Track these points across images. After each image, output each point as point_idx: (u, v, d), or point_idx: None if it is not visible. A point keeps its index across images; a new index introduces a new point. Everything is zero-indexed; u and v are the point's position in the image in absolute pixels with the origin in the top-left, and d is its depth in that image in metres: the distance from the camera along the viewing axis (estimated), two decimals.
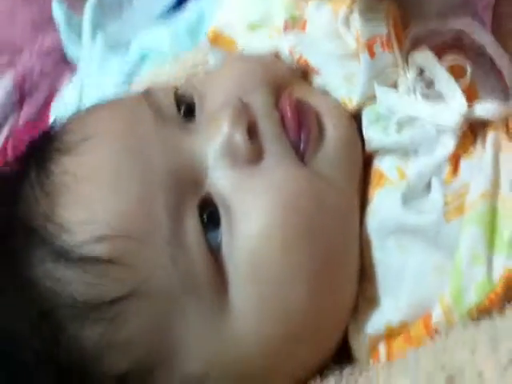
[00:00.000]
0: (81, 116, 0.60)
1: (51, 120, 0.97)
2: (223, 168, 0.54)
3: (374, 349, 0.54)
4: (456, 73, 0.55)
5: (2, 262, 0.53)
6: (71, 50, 1.06)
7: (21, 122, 1.04)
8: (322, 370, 0.54)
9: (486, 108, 0.54)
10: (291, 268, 0.52)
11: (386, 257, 0.54)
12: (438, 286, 0.52)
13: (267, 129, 0.55)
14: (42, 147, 0.57)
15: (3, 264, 0.53)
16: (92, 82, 1.00)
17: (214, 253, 0.52)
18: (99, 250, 0.51)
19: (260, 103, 0.56)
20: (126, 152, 0.54)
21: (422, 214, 0.53)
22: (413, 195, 0.54)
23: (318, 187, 0.54)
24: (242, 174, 0.54)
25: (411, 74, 0.56)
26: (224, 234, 0.53)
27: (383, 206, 0.55)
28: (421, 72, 0.56)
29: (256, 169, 0.54)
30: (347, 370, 0.52)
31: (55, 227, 0.52)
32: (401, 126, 0.56)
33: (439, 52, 0.56)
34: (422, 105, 0.55)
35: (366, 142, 0.57)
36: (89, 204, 0.53)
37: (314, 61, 0.60)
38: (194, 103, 0.58)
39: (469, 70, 0.54)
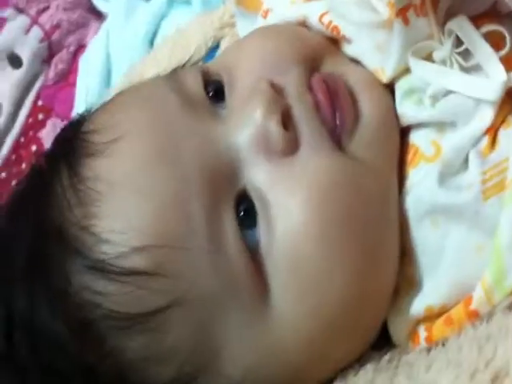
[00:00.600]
0: (108, 109, 0.57)
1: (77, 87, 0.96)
2: (258, 161, 0.52)
3: (413, 332, 0.53)
4: (494, 42, 0.52)
5: (36, 271, 0.51)
6: (98, 1, 1.04)
7: (50, 76, 1.03)
8: (360, 357, 0.53)
9: None
10: (333, 261, 0.51)
11: (424, 237, 0.52)
12: (479, 267, 0.50)
13: (301, 115, 0.53)
14: (72, 145, 0.55)
15: (38, 273, 0.51)
16: (118, 33, 0.99)
17: (253, 252, 0.51)
18: (139, 261, 0.49)
19: (292, 84, 0.54)
20: (156, 152, 0.52)
21: (458, 193, 0.51)
22: (449, 172, 0.52)
23: (356, 174, 0.52)
24: (279, 167, 0.52)
25: (447, 45, 0.53)
26: (262, 231, 0.51)
27: (419, 184, 0.53)
28: (457, 44, 0.53)
29: (292, 160, 0.52)
30: (385, 357, 0.52)
31: (91, 238, 0.50)
32: (435, 98, 0.53)
33: (476, 22, 0.53)
34: (460, 78, 0.52)
35: (400, 117, 0.55)
36: (124, 212, 0.50)
37: (345, 28, 0.57)
38: (222, 85, 0.56)
39: (508, 38, 0.51)
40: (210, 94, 0.56)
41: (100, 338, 0.50)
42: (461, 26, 0.52)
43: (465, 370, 0.45)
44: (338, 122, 0.53)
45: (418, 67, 0.54)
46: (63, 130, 0.60)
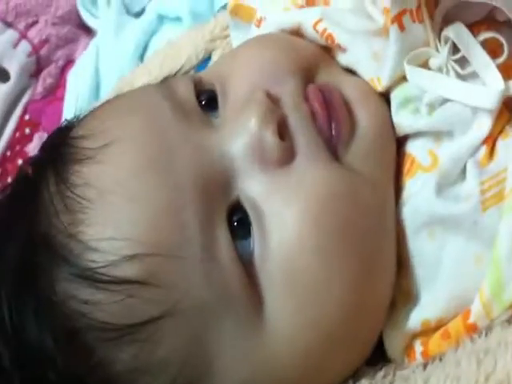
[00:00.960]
0: (98, 115, 0.55)
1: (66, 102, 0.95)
2: (253, 170, 0.51)
3: (409, 347, 0.52)
4: (491, 50, 0.51)
5: (22, 279, 0.49)
6: (87, 17, 1.03)
7: (38, 91, 1.02)
8: (355, 373, 0.52)
9: None
10: (330, 274, 0.49)
11: (421, 249, 0.51)
12: (478, 278, 0.49)
13: (297, 124, 0.51)
14: (60, 150, 0.53)
15: (23, 282, 0.49)
16: (108, 48, 0.98)
17: (246, 263, 0.49)
18: (129, 270, 0.47)
19: (288, 94, 0.53)
20: (149, 160, 0.50)
21: (456, 204, 0.50)
22: (447, 182, 0.51)
23: (353, 185, 0.51)
24: (274, 177, 0.50)
25: (443, 52, 0.52)
26: (256, 242, 0.49)
27: (416, 195, 0.52)
28: (454, 51, 0.52)
29: (288, 170, 0.50)
30: (380, 373, 0.50)
31: (79, 245, 0.49)
32: (432, 107, 0.52)
33: (473, 29, 0.52)
34: (456, 85, 0.51)
35: (396, 126, 0.53)
36: (114, 219, 0.49)
37: (340, 36, 0.56)
38: (215, 94, 0.55)
39: (505, 46, 0.50)
40: (203, 103, 0.54)
41: (88, 349, 0.48)
42: (457, 32, 0.51)
43: (464, 383, 0.43)
44: (333, 133, 0.52)
45: (414, 75, 0.53)
46: (51, 136, 0.58)
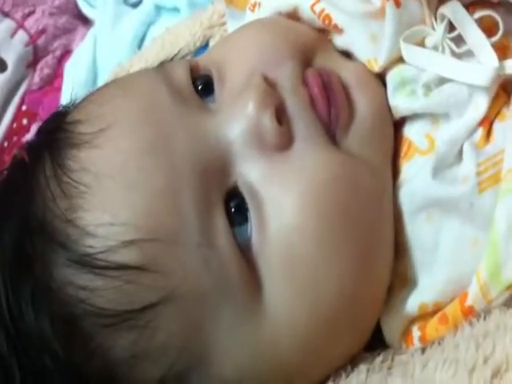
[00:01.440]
0: (94, 99, 0.55)
1: (63, 90, 0.95)
2: (250, 155, 0.50)
3: (406, 332, 0.51)
4: (487, 29, 0.50)
5: (19, 265, 0.49)
6: (84, 7, 1.03)
7: (35, 81, 1.02)
8: (353, 358, 0.51)
9: None
10: (329, 259, 0.49)
11: (418, 232, 0.51)
12: (475, 261, 0.48)
13: (295, 109, 0.51)
14: (56, 135, 0.52)
15: (20, 268, 0.49)
16: (105, 38, 0.98)
17: (244, 249, 0.49)
18: (128, 256, 0.47)
19: (286, 78, 0.52)
20: (147, 143, 0.49)
21: (453, 186, 0.49)
22: (444, 165, 0.50)
23: (351, 170, 0.50)
24: (272, 162, 0.50)
25: (439, 30, 0.51)
26: (254, 228, 0.49)
27: (413, 178, 0.51)
28: (449, 30, 0.51)
29: (286, 155, 0.50)
30: (379, 358, 0.50)
31: (76, 231, 0.48)
32: (428, 88, 0.52)
33: (469, 8, 0.51)
34: (451, 63, 0.51)
35: (393, 109, 0.53)
36: (112, 205, 0.48)
37: (337, 17, 0.55)
38: (211, 79, 0.54)
39: (501, 24, 0.50)
40: (199, 88, 0.54)
41: (86, 335, 0.48)
42: (453, 10, 0.51)
43: (463, 366, 0.43)
44: (332, 118, 0.51)
45: (410, 53, 0.52)
46: (47, 121, 0.58)
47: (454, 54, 0.51)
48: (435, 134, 0.52)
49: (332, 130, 0.51)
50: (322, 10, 0.55)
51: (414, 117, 0.53)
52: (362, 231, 0.50)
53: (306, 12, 0.56)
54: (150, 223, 0.48)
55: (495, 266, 0.47)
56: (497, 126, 0.50)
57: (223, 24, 0.74)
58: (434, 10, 0.52)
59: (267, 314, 0.49)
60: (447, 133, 0.51)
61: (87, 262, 0.47)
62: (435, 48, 0.52)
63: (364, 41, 0.54)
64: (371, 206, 0.51)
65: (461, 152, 0.50)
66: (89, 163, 0.50)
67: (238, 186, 0.50)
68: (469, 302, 0.48)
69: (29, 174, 0.52)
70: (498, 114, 0.51)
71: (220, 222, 0.49)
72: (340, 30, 0.55)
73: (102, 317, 0.47)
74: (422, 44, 0.52)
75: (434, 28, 0.52)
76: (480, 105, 0.50)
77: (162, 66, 0.57)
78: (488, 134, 0.50)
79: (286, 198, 0.49)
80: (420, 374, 0.45)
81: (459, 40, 0.51)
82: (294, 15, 0.58)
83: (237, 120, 0.51)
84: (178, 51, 0.67)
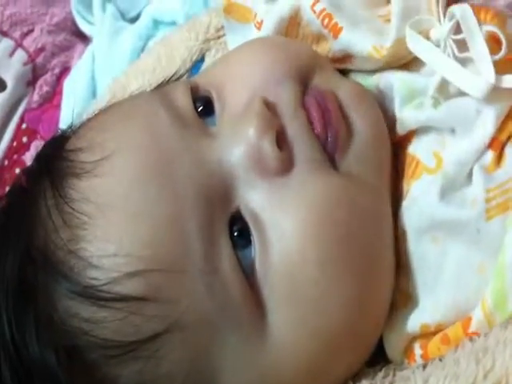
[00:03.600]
0: (94, 126, 0.54)
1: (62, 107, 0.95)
2: (252, 181, 0.50)
3: (408, 349, 0.52)
4: (494, 40, 0.50)
5: (21, 298, 0.49)
6: (82, 24, 1.03)
7: (34, 99, 1.02)
8: (355, 373, 0.51)
9: None
10: (331, 282, 0.49)
11: (423, 252, 0.51)
12: (480, 287, 0.48)
13: (296, 133, 0.51)
14: (57, 164, 0.52)
15: (23, 300, 0.49)
16: (104, 54, 0.98)
17: (248, 274, 0.49)
18: (132, 287, 0.47)
19: (285, 102, 0.52)
20: (148, 172, 0.49)
21: (460, 209, 0.49)
22: (452, 187, 0.50)
23: (352, 193, 0.50)
24: (273, 187, 0.50)
25: (445, 27, 0.51)
26: (257, 252, 0.49)
27: (421, 198, 0.51)
28: (455, 32, 0.51)
29: (287, 179, 0.50)
30: (380, 373, 0.50)
31: (80, 262, 0.48)
32: (437, 101, 0.51)
33: (480, 12, 0.51)
34: (451, 65, 0.50)
35: (400, 122, 0.53)
36: (115, 235, 0.48)
37: (338, 15, 0.56)
38: (212, 101, 0.54)
39: (504, 44, 0.49)
40: (200, 109, 0.54)
41: (91, 367, 0.48)
42: (464, 14, 0.50)
43: (463, 382, 0.43)
44: (330, 139, 0.51)
45: (414, 40, 0.52)
46: (45, 147, 0.57)
47: (454, 56, 0.51)
48: (443, 152, 0.51)
49: (331, 152, 0.51)
50: (322, 10, 0.56)
51: (421, 133, 0.53)
52: (363, 253, 0.50)
53: (306, 12, 0.57)
54: (153, 253, 0.48)
55: (501, 295, 0.47)
56: (508, 150, 0.50)
57: (219, 37, 0.74)
58: (444, 6, 0.52)
59: (271, 336, 0.49)
60: (455, 153, 0.51)
61: (91, 294, 0.47)
62: (437, 43, 0.52)
63: (365, 34, 0.54)
64: (371, 228, 0.51)
65: (470, 174, 0.50)
66: (90, 193, 0.49)
67: (241, 210, 0.50)
68: (472, 328, 0.48)
69: (29, 204, 0.52)
70: (509, 137, 0.50)
71: (224, 247, 0.49)
72: (339, 30, 0.55)
73: (106, 348, 0.47)
74: (426, 37, 0.52)
75: (440, 22, 0.52)
76: (488, 124, 0.50)
77: (162, 88, 0.57)
78: (499, 157, 0.50)
79: (287, 222, 0.49)
80: None
81: (462, 45, 0.51)
82: (295, 20, 0.58)
83: (238, 145, 0.51)
84: (176, 71, 0.67)
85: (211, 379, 0.49)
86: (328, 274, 0.49)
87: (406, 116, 0.53)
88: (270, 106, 0.51)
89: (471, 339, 0.47)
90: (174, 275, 0.47)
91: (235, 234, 0.49)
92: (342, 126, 0.51)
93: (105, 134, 0.52)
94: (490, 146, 0.50)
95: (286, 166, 0.50)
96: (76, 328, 0.48)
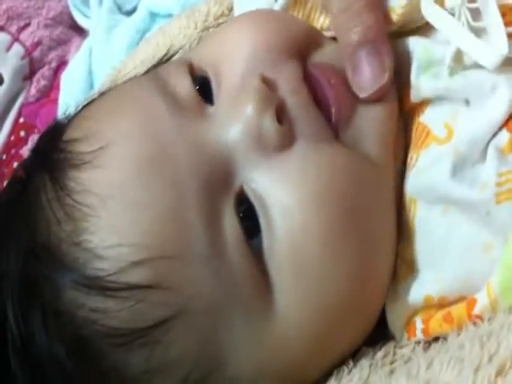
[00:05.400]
0: (89, 116, 0.54)
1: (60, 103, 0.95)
2: (253, 159, 0.50)
3: (410, 322, 0.51)
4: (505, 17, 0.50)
5: (27, 292, 0.49)
6: (79, 17, 1.03)
7: (32, 93, 1.02)
8: (354, 353, 0.52)
9: None
10: (335, 257, 0.49)
11: (432, 222, 0.50)
12: (485, 266, 0.48)
13: (296, 107, 0.50)
14: (54, 156, 0.52)
15: (29, 295, 0.49)
16: (100, 48, 0.97)
17: (256, 255, 0.49)
18: (138, 275, 0.47)
19: (285, 76, 0.51)
20: (147, 160, 0.49)
21: (471, 189, 0.49)
22: (464, 164, 0.49)
23: (354, 165, 0.50)
24: (275, 163, 0.49)
25: None
26: (263, 232, 0.49)
27: (431, 168, 0.50)
28: (470, 1, 0.50)
29: (288, 155, 0.50)
30: (380, 352, 0.50)
31: (84, 254, 0.48)
32: (454, 70, 0.51)
33: None
34: (464, 33, 0.50)
35: (415, 90, 0.52)
36: (118, 226, 0.48)
37: None
38: (208, 80, 0.53)
39: None
40: (196, 88, 0.53)
41: (100, 355, 0.48)
42: None
43: (468, 365, 0.43)
44: (333, 112, 0.51)
45: (428, 6, 0.51)
46: (41, 139, 0.57)
47: (468, 25, 0.50)
48: (454, 124, 0.51)
49: (334, 124, 0.51)
50: None
51: (435, 102, 0.52)
52: (366, 225, 0.50)
53: None
54: (157, 241, 0.47)
55: (508, 285, 0.47)
56: None
57: (219, 25, 0.74)
58: None
59: (278, 314, 0.49)
60: (468, 130, 0.50)
61: (97, 285, 0.47)
62: (452, 11, 0.51)
63: None
64: (373, 200, 0.51)
65: (484, 153, 0.49)
66: (91, 184, 0.49)
67: (245, 191, 0.50)
68: (476, 311, 0.48)
69: (29, 197, 0.52)
70: None
71: (230, 230, 0.48)
72: None
73: (114, 337, 0.47)
74: (441, 4, 0.52)
75: None
76: (502, 102, 0.49)
77: (155, 71, 0.56)
78: None
79: (290, 198, 0.49)
80: (425, 374, 0.44)
81: (476, 14, 0.50)
82: None
83: (237, 124, 0.50)
84: (166, 53, 0.66)
85: (222, 362, 0.49)
86: (332, 248, 0.48)
87: (423, 84, 0.52)
88: (268, 82, 0.51)
89: (475, 324, 0.47)
90: (179, 262, 0.47)
91: (241, 215, 0.49)
92: (346, 99, 0.51)
93: (100, 123, 0.52)
94: (505, 126, 0.49)
95: (287, 140, 0.50)
96: (83, 318, 0.48)
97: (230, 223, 0.48)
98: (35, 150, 0.57)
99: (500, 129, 0.49)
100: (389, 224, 0.51)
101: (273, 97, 0.50)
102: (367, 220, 0.50)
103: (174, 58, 0.63)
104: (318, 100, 0.51)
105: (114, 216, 0.48)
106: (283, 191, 0.49)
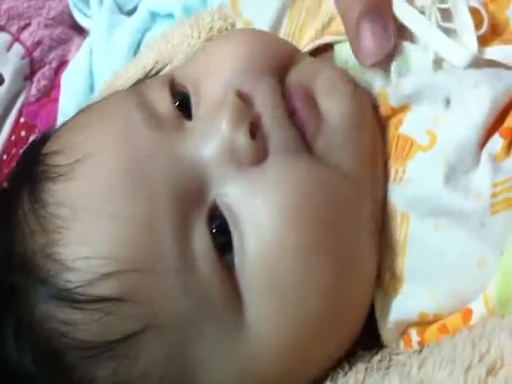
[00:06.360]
0: (69, 128, 0.55)
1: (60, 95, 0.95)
2: (227, 174, 0.50)
3: (404, 334, 0.52)
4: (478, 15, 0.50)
5: (0, 300, 0.50)
6: (79, 17, 1.03)
7: (32, 93, 1.02)
8: (350, 357, 0.52)
9: (500, 51, 0.49)
10: (307, 270, 0.49)
11: (424, 236, 0.50)
12: (478, 280, 0.48)
13: (271, 123, 0.51)
14: (33, 168, 0.52)
15: (2, 302, 0.50)
16: (101, 47, 0.98)
17: (227, 269, 0.49)
18: (106, 288, 0.47)
19: (261, 92, 0.51)
20: (121, 174, 0.49)
21: (465, 198, 0.48)
22: (457, 171, 0.49)
23: (328, 179, 0.50)
24: (248, 178, 0.50)
25: None
26: (235, 247, 0.49)
27: (422, 179, 0.50)
28: (440, 1, 0.51)
29: (262, 170, 0.50)
30: (376, 357, 0.50)
31: (55, 266, 0.48)
32: (439, 65, 0.51)
33: None
34: (434, 32, 0.50)
35: (395, 89, 0.52)
36: (90, 238, 0.48)
37: None
38: (188, 95, 0.53)
39: (486, 21, 0.50)
40: (176, 105, 0.53)
41: (68, 368, 0.49)
42: None
43: (459, 365, 0.43)
44: (306, 128, 0.51)
45: (399, 4, 0.52)
46: (26, 151, 0.58)
47: (438, 25, 0.51)
48: (436, 129, 0.51)
49: (308, 139, 0.51)
50: None
51: (414, 106, 0.52)
52: (340, 240, 0.50)
53: None
54: (127, 254, 0.48)
55: (506, 296, 0.47)
56: None
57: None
58: None
59: (250, 328, 0.49)
60: (451, 133, 0.50)
61: (66, 297, 0.48)
62: (422, 11, 0.51)
63: None
64: (348, 214, 0.51)
65: (477, 158, 0.49)
66: (65, 196, 0.50)
67: (218, 205, 0.50)
68: (474, 321, 0.48)
69: (7, 209, 0.52)
70: None
71: (199, 244, 0.49)
72: None
73: (83, 349, 0.48)
74: (411, 3, 0.52)
75: None
76: (483, 101, 0.49)
77: (137, 87, 0.57)
78: (510, 145, 0.49)
79: (262, 213, 0.49)
80: (417, 374, 0.44)
81: (446, 15, 0.51)
82: None
83: (211, 139, 0.50)
84: (152, 67, 0.66)
85: (191, 375, 0.49)
86: (305, 262, 0.49)
87: (405, 81, 0.52)
88: (243, 98, 0.51)
89: (469, 327, 0.47)
90: (149, 275, 0.48)
91: (214, 230, 0.49)
92: (313, 119, 0.51)
93: (78, 136, 0.53)
94: (498, 131, 0.49)
95: (261, 155, 0.50)
96: (53, 331, 0.48)
97: (201, 237, 0.49)
98: (19, 162, 0.58)
99: (491, 133, 0.49)
100: (364, 236, 0.51)
101: (247, 112, 0.50)
102: (341, 233, 0.50)
103: (161, 73, 0.63)
104: (293, 115, 0.51)
105: (84, 228, 0.49)
106: (255, 206, 0.49)
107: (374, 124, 0.53)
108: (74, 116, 0.57)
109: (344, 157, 0.51)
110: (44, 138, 0.56)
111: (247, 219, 0.49)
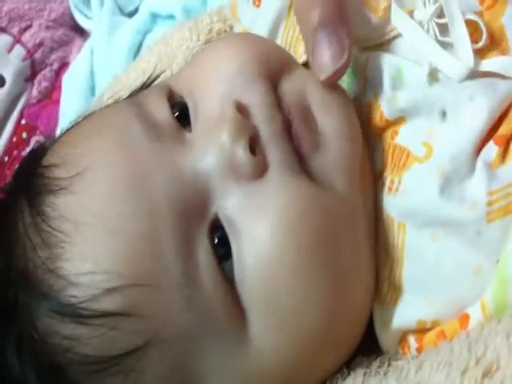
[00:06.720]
0: (68, 141, 0.54)
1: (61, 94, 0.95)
2: (227, 187, 0.50)
3: (403, 340, 0.52)
4: (473, 32, 0.51)
5: (2, 315, 0.49)
6: (80, 19, 1.03)
7: (33, 95, 1.02)
8: (349, 363, 0.52)
9: (496, 62, 0.50)
10: (306, 288, 0.49)
11: (421, 247, 0.50)
12: (475, 287, 0.48)
13: (269, 136, 0.50)
14: (32, 181, 0.52)
15: (3, 319, 0.49)
16: (102, 49, 0.98)
17: (229, 282, 0.49)
18: (110, 303, 0.47)
19: (259, 105, 0.51)
20: (123, 187, 0.49)
21: (461, 207, 0.48)
22: (452, 181, 0.49)
23: (323, 198, 0.50)
24: (248, 192, 0.50)
25: (429, 10, 0.51)
26: (235, 259, 0.49)
27: (417, 190, 0.51)
28: (439, 16, 0.51)
29: (261, 183, 0.50)
30: (375, 362, 0.50)
31: (58, 281, 0.48)
32: (434, 77, 0.51)
33: None
34: (432, 45, 0.51)
35: (390, 103, 0.52)
36: (92, 253, 0.48)
37: None
38: (187, 106, 0.53)
39: (484, 34, 0.50)
40: (175, 115, 0.53)
41: (72, 383, 0.48)
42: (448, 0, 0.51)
43: (455, 368, 0.43)
44: (302, 144, 0.51)
45: (398, 16, 0.52)
46: (23, 163, 0.57)
47: (435, 39, 0.51)
48: (432, 141, 0.51)
49: (304, 157, 0.51)
50: None
51: (409, 119, 0.52)
52: (336, 255, 0.50)
53: None
54: (130, 269, 0.48)
55: (502, 303, 0.47)
56: None
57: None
58: None
59: (252, 342, 0.49)
60: (446, 144, 0.50)
61: (70, 312, 0.48)
62: (421, 24, 0.52)
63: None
64: (343, 230, 0.50)
65: (472, 166, 0.49)
66: (66, 210, 0.49)
67: (219, 218, 0.50)
68: (471, 327, 0.48)
69: (8, 223, 0.52)
70: None
71: (204, 257, 0.49)
72: None
73: (87, 364, 0.48)
74: (410, 15, 0.53)
75: (424, 6, 0.52)
76: (480, 112, 0.49)
77: (135, 96, 0.57)
78: (505, 153, 0.49)
79: (260, 228, 0.49)
80: (414, 377, 0.45)
81: (444, 29, 0.51)
82: None
83: (212, 152, 0.50)
84: (149, 76, 0.66)
85: None
86: (302, 280, 0.49)
87: (399, 94, 0.52)
88: (242, 110, 0.51)
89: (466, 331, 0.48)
90: (152, 290, 0.48)
91: (215, 242, 0.49)
92: (309, 136, 0.51)
93: (78, 149, 0.52)
94: (492, 139, 0.49)
95: (260, 170, 0.50)
96: (57, 346, 0.48)
97: (204, 250, 0.49)
98: (16, 174, 0.57)
99: (486, 141, 0.49)
100: (362, 250, 0.51)
101: (247, 126, 0.50)
102: (338, 251, 0.50)
103: (156, 82, 0.63)
104: (289, 128, 0.51)
105: (87, 243, 0.48)
106: (255, 220, 0.49)
107: (363, 139, 0.53)
108: (72, 127, 0.56)
109: (338, 177, 0.51)
110: (40, 151, 0.55)
111: (245, 233, 0.49)
